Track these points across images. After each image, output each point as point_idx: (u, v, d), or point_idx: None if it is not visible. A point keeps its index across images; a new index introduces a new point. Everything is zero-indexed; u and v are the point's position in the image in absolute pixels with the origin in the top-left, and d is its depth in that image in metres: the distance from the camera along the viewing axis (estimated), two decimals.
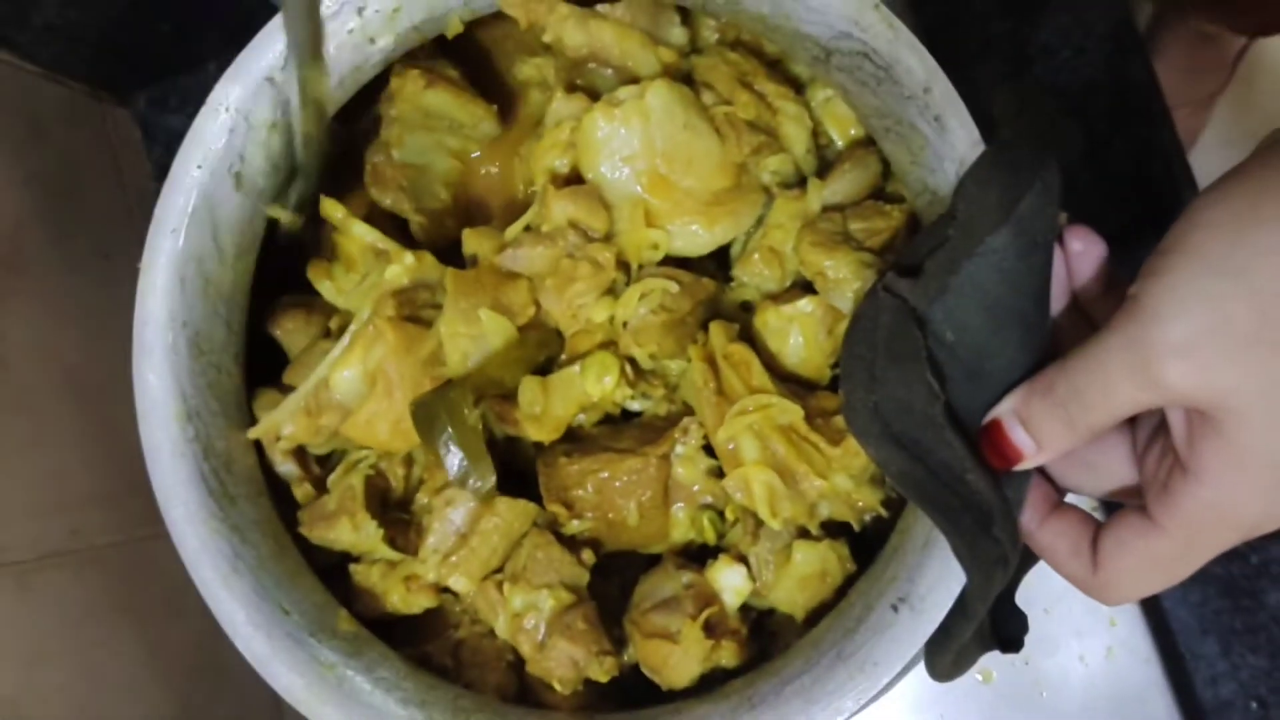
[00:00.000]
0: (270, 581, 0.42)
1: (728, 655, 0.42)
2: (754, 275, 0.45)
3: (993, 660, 0.55)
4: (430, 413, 0.41)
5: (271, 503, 0.44)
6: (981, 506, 0.34)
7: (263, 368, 0.46)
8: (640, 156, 0.42)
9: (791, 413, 0.41)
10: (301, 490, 0.46)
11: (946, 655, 0.37)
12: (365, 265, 0.45)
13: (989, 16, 0.60)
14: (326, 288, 0.46)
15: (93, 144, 0.69)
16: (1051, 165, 0.35)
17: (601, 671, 0.42)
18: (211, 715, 0.60)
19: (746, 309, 0.46)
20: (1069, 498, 0.38)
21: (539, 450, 0.45)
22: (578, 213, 0.43)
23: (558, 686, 0.42)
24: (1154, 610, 0.55)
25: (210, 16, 0.67)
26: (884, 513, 0.42)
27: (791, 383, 0.43)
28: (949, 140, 0.38)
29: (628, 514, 0.44)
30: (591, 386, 0.43)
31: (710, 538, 0.45)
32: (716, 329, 0.43)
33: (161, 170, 0.73)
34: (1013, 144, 0.37)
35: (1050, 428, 0.33)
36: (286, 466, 0.46)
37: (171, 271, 0.41)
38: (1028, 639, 0.40)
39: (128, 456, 0.60)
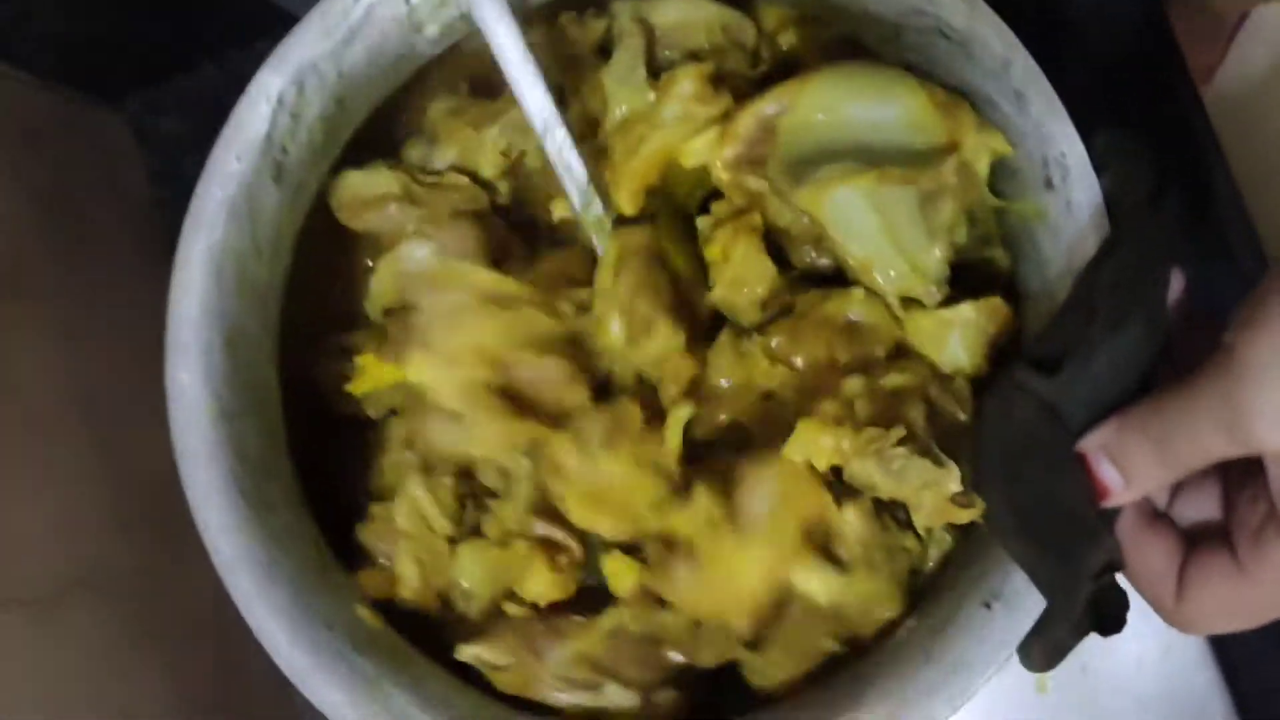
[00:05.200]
0: (308, 591, 0.39)
1: None
2: None
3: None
4: None
5: (309, 511, 0.42)
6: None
7: None
8: None
9: None
10: None
11: (1040, 648, 0.36)
12: None
13: None
14: None
15: (88, 152, 0.66)
16: (1176, 250, 0.35)
17: None
18: None
19: None
20: None
21: None
22: None
23: None
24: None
25: (208, 17, 0.65)
26: None
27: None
28: (1031, 117, 0.37)
29: None
30: None
31: None
32: None
33: (157, 176, 0.70)
34: (1142, 230, 0.36)
35: (1141, 463, 0.32)
36: None
37: (208, 267, 0.39)
38: (1086, 646, 0.38)
39: (141, 481, 0.57)
